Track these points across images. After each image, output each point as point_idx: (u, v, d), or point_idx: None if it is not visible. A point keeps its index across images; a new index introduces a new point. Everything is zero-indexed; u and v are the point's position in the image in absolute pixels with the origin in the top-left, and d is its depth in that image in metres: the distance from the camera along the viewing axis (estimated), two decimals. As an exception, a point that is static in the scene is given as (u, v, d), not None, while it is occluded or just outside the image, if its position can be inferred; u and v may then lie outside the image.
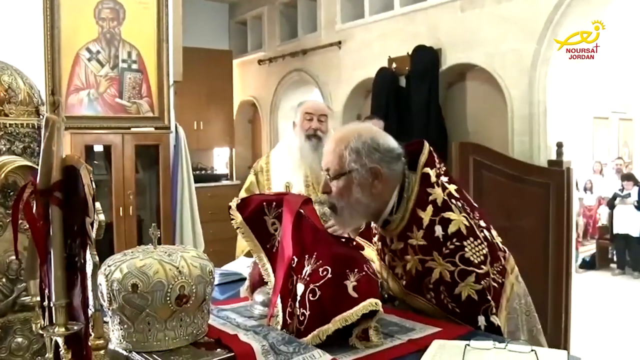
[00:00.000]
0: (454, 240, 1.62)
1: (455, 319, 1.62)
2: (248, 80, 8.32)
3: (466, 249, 1.62)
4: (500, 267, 1.71)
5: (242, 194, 2.98)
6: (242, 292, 2.25)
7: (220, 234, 5.33)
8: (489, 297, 1.62)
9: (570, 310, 4.13)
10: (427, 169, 1.70)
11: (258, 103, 8.17)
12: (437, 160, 1.76)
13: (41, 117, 1.17)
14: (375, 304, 1.41)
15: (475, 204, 1.79)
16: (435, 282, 1.63)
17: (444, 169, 1.77)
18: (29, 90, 1.20)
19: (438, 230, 1.63)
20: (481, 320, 1.61)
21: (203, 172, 7.79)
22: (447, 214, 1.64)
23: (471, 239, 1.63)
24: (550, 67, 4.53)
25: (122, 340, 1.26)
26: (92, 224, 0.87)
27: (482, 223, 1.74)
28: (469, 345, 1.33)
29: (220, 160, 8.56)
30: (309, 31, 7.04)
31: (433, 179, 1.69)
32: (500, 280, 1.69)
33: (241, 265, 2.60)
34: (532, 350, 1.29)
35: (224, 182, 7.81)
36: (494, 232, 1.79)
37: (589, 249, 9.17)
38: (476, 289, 1.60)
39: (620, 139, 12.03)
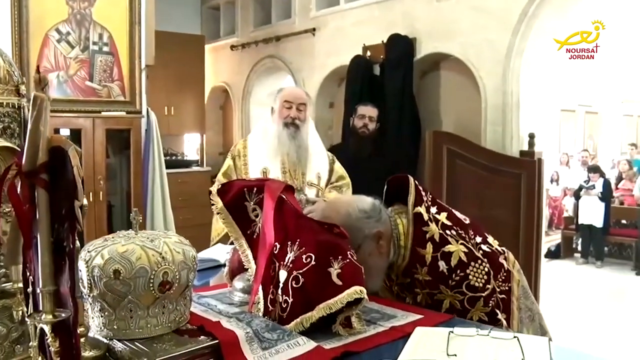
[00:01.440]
0: (458, 271, 1.68)
1: None
2: (220, 66, 8.22)
3: (470, 276, 1.67)
4: (505, 273, 1.75)
5: (220, 178, 2.95)
6: (214, 280, 2.24)
7: (191, 220, 5.30)
8: (499, 316, 1.68)
9: (539, 296, 4.21)
10: (418, 208, 1.73)
11: (230, 89, 8.08)
12: (424, 193, 1.78)
13: (21, 96, 1.12)
14: (360, 291, 1.40)
15: (466, 221, 1.82)
16: (446, 311, 1.68)
17: (431, 198, 1.80)
18: (9, 68, 1.14)
19: (442, 265, 1.68)
20: None
21: (173, 157, 7.68)
22: (447, 248, 1.69)
23: (472, 263, 1.69)
24: (524, 59, 4.57)
25: (102, 327, 1.23)
26: (80, 208, 0.84)
27: (478, 239, 1.77)
28: (452, 332, 1.34)
29: (190, 146, 8.45)
30: (283, 17, 6.98)
31: (425, 216, 1.73)
32: (507, 287, 1.74)
33: (217, 252, 2.58)
34: (514, 337, 1.31)
35: (195, 168, 7.71)
36: (490, 239, 1.83)
37: (554, 238, 9.37)
38: (485, 311, 1.67)
39: (586, 131, 12.29)
